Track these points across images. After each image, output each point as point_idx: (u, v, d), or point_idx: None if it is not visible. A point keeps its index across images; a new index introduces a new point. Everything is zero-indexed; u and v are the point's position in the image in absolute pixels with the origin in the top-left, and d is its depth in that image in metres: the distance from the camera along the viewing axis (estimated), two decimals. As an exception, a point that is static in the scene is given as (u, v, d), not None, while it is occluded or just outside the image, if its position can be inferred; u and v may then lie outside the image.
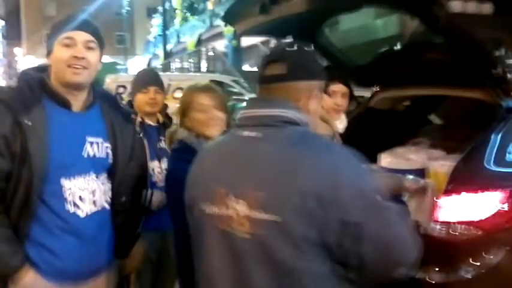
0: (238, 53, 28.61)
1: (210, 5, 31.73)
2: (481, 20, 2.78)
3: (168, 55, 30.13)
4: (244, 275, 1.58)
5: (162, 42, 38.91)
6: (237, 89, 13.25)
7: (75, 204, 2.03)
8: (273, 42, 20.48)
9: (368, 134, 3.46)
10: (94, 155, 2.09)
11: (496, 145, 2.41)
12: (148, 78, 3.16)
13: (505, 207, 2.26)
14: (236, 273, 1.61)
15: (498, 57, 2.54)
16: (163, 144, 3.13)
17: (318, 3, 2.59)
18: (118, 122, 2.22)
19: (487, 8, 2.98)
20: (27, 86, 2.00)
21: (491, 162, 2.37)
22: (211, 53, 22.39)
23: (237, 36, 28.73)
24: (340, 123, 3.12)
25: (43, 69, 2.09)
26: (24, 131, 1.90)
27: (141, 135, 2.98)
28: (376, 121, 3.55)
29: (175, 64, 32.38)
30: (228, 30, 29.55)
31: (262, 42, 23.48)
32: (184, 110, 2.42)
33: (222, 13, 26.41)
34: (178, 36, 38.72)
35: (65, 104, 2.03)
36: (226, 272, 1.63)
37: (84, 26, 2.06)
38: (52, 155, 1.95)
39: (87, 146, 2.07)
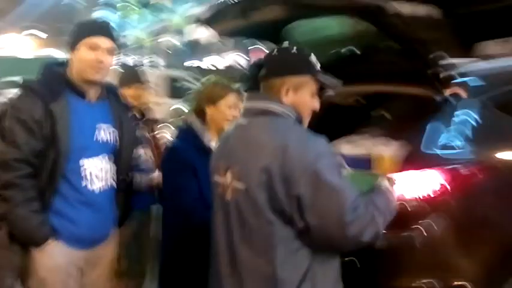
0: (194, 48, 28.55)
1: (166, 1, 31.49)
2: (421, 22, 3.17)
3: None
4: (230, 234, 2.03)
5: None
6: (196, 85, 12.96)
7: (90, 181, 2.37)
8: (229, 39, 20.64)
9: (326, 125, 3.89)
10: (105, 140, 2.44)
11: (433, 131, 2.86)
12: (130, 75, 3.50)
13: (439, 182, 2.71)
14: (227, 231, 2.06)
15: (432, 59, 2.94)
16: (146, 134, 3.48)
17: (291, 12, 2.98)
18: (122, 111, 2.58)
19: (428, 11, 3.30)
20: (52, 78, 2.33)
21: (429, 145, 2.83)
22: (168, 48, 22.15)
23: (191, 32, 28.77)
24: None
25: (63, 63, 2.44)
26: (53, 117, 2.22)
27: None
28: (333, 113, 3.96)
29: (120, 58, 31.90)
30: (183, 25, 29.49)
31: (210, 37, 23.43)
32: (215, 100, 2.74)
33: (177, 9, 26.19)
34: (120, 30, 38.15)
35: (82, 95, 2.38)
36: (221, 229, 2.08)
37: (108, 33, 2.39)
38: (73, 138, 2.28)
39: (99, 132, 2.42)
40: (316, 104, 2.05)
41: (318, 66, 2.03)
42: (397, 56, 3.19)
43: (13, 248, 2.24)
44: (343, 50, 3.77)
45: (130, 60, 31.10)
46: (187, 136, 2.73)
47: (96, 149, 2.40)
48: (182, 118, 2.86)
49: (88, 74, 2.36)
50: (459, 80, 2.99)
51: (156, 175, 3.37)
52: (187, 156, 2.68)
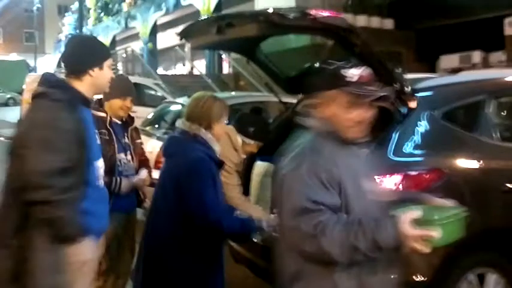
0: (154, 56, 28.53)
1: (125, 7, 31.41)
2: (382, 35, 3.51)
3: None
4: None
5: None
6: (159, 92, 12.77)
7: (100, 179, 2.62)
8: (187, 45, 20.78)
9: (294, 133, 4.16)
10: (98, 143, 2.72)
11: (393, 140, 3.17)
12: (127, 89, 3.60)
13: (399, 186, 3.02)
14: None
15: (397, 74, 3.22)
16: (127, 140, 3.66)
17: (264, 30, 3.24)
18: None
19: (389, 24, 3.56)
20: (69, 90, 2.49)
21: (390, 153, 3.14)
22: (129, 55, 21.98)
23: (152, 39, 28.81)
24: None
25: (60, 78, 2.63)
26: (80, 125, 2.41)
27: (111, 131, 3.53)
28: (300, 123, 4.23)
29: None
30: (144, 32, 29.52)
31: (179, 45, 23.51)
32: (220, 117, 2.89)
33: (137, 15, 26.07)
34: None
35: (89, 105, 2.63)
36: None
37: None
38: (93, 143, 2.53)
39: (97, 136, 2.70)
40: (355, 116, 1.98)
41: (353, 78, 1.97)
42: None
43: (52, 250, 2.35)
44: (309, 64, 4.04)
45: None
46: (202, 148, 2.79)
47: (99, 151, 2.68)
48: (186, 131, 2.87)
49: (105, 88, 2.68)
50: (419, 94, 3.29)
51: (137, 179, 3.59)
52: (211, 167, 2.79)
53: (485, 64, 15.20)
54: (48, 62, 46.66)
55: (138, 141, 3.77)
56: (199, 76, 17.21)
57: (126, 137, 3.64)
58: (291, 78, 4.19)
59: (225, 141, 3.95)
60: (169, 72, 24.47)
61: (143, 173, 3.65)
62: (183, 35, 3.81)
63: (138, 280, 2.93)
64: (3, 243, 2.35)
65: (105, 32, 33.97)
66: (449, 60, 15.98)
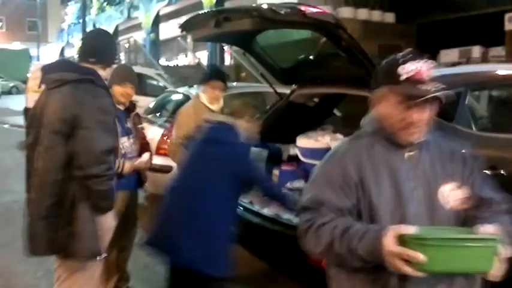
0: (156, 46, 28.70)
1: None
2: (383, 28, 3.74)
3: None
4: None
5: (77, 31, 37.95)
6: (161, 82, 12.86)
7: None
8: (189, 37, 20.95)
9: (287, 122, 4.41)
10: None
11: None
12: (127, 75, 3.79)
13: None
14: None
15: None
16: (129, 124, 3.88)
17: (259, 24, 3.48)
18: None
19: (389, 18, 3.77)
20: (100, 78, 2.78)
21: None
22: (131, 45, 22.13)
23: (155, 29, 28.96)
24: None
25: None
26: (114, 108, 2.79)
27: None
28: (294, 112, 4.48)
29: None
30: (146, 22, 29.67)
31: (181, 37, 23.63)
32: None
33: (140, 5, 26.16)
34: (94, 26, 38.12)
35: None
36: None
37: None
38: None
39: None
40: (405, 116, 1.81)
41: (407, 75, 1.80)
42: (350, 63, 3.69)
43: (94, 218, 2.69)
44: (302, 56, 4.28)
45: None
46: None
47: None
48: (228, 120, 3.42)
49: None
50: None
51: (139, 161, 3.83)
52: None
53: (484, 59, 15.37)
54: (51, 51, 46.77)
55: (140, 126, 4.01)
56: (200, 67, 17.42)
57: (128, 122, 3.86)
58: (286, 69, 4.46)
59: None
60: (172, 63, 24.65)
61: (145, 156, 3.88)
62: (184, 27, 4.04)
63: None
64: (44, 215, 2.67)
65: (107, 21, 34.11)
66: (449, 54, 16.17)
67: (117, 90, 3.72)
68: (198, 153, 3.36)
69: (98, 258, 2.76)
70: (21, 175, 2.87)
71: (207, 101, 4.24)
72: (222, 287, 3.18)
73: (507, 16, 14.69)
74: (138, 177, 3.94)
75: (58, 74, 2.76)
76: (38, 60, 38.22)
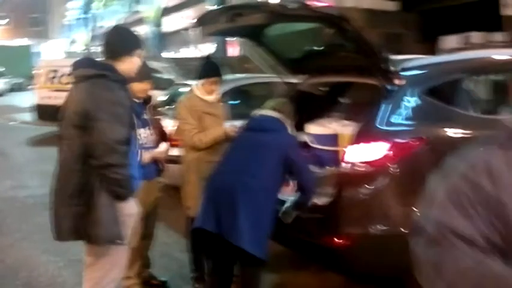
0: (161, 39, 28.86)
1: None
2: (386, 17, 3.98)
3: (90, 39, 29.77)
4: None
5: (81, 26, 38.12)
6: (167, 75, 13.04)
7: (135, 148, 3.12)
8: (191, 29, 21.02)
9: (298, 110, 4.63)
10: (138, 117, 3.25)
11: (386, 112, 3.61)
12: (145, 73, 3.96)
13: (388, 152, 3.48)
14: None
15: (384, 56, 3.66)
16: (146, 116, 4.07)
17: (271, 19, 3.72)
18: None
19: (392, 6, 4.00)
20: (118, 74, 2.98)
21: (380, 123, 3.58)
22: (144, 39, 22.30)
23: (159, 22, 29.14)
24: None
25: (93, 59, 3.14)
26: (130, 102, 2.98)
27: None
28: (304, 100, 4.71)
29: (98, 49, 32.04)
30: (150, 16, 29.85)
31: (184, 29, 23.74)
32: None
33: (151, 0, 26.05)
34: (96, 21, 38.30)
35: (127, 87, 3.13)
36: None
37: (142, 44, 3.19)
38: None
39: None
40: None
41: None
42: (355, 53, 3.91)
43: (114, 205, 2.89)
44: (310, 47, 4.50)
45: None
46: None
47: (135, 124, 3.18)
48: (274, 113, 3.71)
49: (131, 73, 3.13)
50: (403, 73, 3.76)
51: (157, 151, 4.05)
52: None
53: (484, 45, 15.55)
54: (53, 47, 46.89)
55: (156, 117, 4.25)
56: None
57: (145, 114, 4.06)
58: (294, 60, 4.68)
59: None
60: (177, 55, 24.75)
61: (163, 146, 4.10)
62: (198, 23, 4.26)
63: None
64: (65, 203, 2.89)
65: (112, 16, 34.28)
66: (448, 41, 16.34)
67: (136, 87, 3.88)
68: (246, 141, 3.60)
69: (119, 243, 2.92)
70: (34, 170, 3.12)
71: (202, 94, 4.28)
72: (259, 269, 3.45)
73: (502, 1, 14.86)
74: (156, 166, 4.16)
75: (80, 70, 3.01)
76: (40, 56, 38.35)
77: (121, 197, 2.91)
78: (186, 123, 4.15)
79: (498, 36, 15.90)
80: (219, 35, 5.46)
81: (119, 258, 3.07)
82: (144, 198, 3.85)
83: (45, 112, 14.56)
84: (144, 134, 3.98)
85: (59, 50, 43.49)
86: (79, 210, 2.86)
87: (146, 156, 3.90)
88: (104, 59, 3.07)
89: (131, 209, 3.05)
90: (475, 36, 16.61)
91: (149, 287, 4.21)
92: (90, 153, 2.82)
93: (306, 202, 3.59)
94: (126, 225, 2.99)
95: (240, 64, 17.61)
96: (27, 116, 17.07)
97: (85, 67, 2.99)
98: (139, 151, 3.73)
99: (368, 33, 3.64)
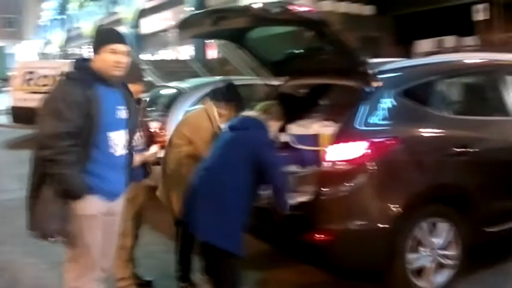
0: (138, 41, 28.72)
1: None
2: (362, 21, 4.16)
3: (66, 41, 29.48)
4: None
5: (56, 27, 37.67)
6: (149, 78, 13.05)
7: (115, 148, 3.08)
8: (171, 31, 21.00)
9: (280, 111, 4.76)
10: (122, 117, 3.15)
11: (364, 112, 3.78)
12: (137, 75, 4.05)
13: (366, 150, 3.64)
14: None
15: (362, 59, 3.81)
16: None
17: (253, 22, 3.87)
18: (129, 98, 3.28)
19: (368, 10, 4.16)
20: (85, 71, 3.02)
21: (358, 124, 3.74)
22: None
23: (137, 24, 29.02)
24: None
25: (88, 59, 3.14)
26: (89, 100, 2.91)
27: None
28: (285, 102, 4.83)
29: (74, 50, 31.73)
30: (127, 17, 29.73)
31: (163, 31, 23.72)
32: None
33: (120, 0, 26.03)
34: (72, 22, 37.91)
35: (107, 84, 3.08)
36: None
37: (123, 40, 3.12)
38: (103, 116, 2.97)
39: (119, 111, 3.14)
40: None
41: None
42: (335, 56, 4.07)
43: (57, 201, 2.90)
44: (291, 50, 4.65)
45: (85, 52, 31.01)
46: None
47: (118, 124, 3.13)
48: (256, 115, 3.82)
49: (111, 71, 3.07)
50: (380, 75, 3.93)
51: (148, 153, 4.10)
52: None
53: (457, 48, 15.96)
54: (27, 48, 46.28)
55: (145, 119, 4.32)
56: (186, 61, 17.67)
57: (139, 117, 4.03)
58: (276, 62, 4.83)
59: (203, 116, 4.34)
60: (155, 57, 24.73)
61: (154, 148, 4.14)
62: (181, 26, 4.37)
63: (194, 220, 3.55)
64: (33, 195, 2.97)
65: (88, 17, 34.02)
66: (423, 44, 16.75)
67: (132, 88, 3.80)
68: (223, 139, 3.70)
69: (55, 240, 2.96)
70: (12, 174, 3.11)
71: (216, 115, 4.24)
72: (234, 264, 3.54)
73: (474, 8, 15.31)
74: (144, 169, 4.17)
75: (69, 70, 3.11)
76: (14, 58, 37.83)
77: (66, 194, 2.89)
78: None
79: (470, 41, 16.37)
80: (200, 37, 5.55)
81: (86, 262, 3.08)
82: (131, 200, 3.90)
83: (21, 115, 14.46)
84: (135, 136, 3.88)
85: (34, 51, 42.99)
86: (29, 203, 2.96)
87: (137, 159, 3.87)
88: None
89: (90, 209, 3.01)
90: (448, 40, 17.07)
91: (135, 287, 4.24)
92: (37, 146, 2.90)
93: (278, 202, 3.60)
94: (87, 226, 3.00)
95: (219, 66, 17.75)
96: (2, 119, 16.86)
97: (71, 68, 3.09)
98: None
99: (347, 37, 3.79)
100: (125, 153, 3.19)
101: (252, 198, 3.58)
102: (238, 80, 8.15)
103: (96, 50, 3.08)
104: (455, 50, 15.67)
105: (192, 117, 4.42)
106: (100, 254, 3.13)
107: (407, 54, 15.62)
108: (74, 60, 3.20)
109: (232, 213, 3.47)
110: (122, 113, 3.18)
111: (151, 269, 4.61)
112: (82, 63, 3.11)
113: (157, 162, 4.35)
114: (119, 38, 3.13)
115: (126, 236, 3.94)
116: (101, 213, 3.08)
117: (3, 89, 31.19)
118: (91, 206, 3.00)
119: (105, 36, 3.14)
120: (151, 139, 4.28)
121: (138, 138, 4.01)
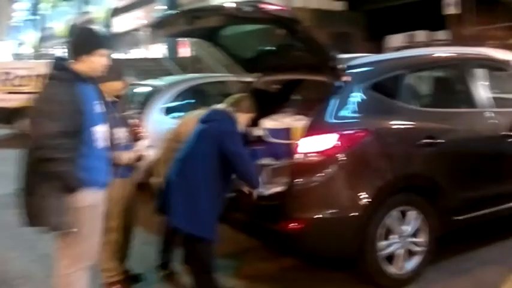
0: (111, 40, 28.60)
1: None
2: (333, 16, 4.31)
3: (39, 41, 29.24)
4: None
5: (29, 27, 37.33)
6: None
7: (98, 141, 3.21)
8: (144, 29, 20.90)
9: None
10: (101, 112, 3.27)
11: (334, 106, 3.92)
12: (122, 73, 4.12)
13: (337, 142, 3.79)
14: None
15: (332, 55, 3.97)
16: (118, 115, 4.08)
17: (226, 21, 3.98)
18: (99, 89, 3.42)
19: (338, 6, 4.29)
20: (67, 71, 3.12)
21: (329, 117, 3.89)
22: None
23: (109, 23, 28.87)
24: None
25: (65, 59, 3.23)
26: (76, 98, 3.04)
27: None
28: (258, 97, 4.96)
29: (47, 50, 31.48)
30: (100, 16, 29.58)
31: (135, 30, 23.68)
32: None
33: (100, 1, 25.87)
34: (44, 22, 37.58)
35: (85, 81, 3.20)
36: None
37: (109, 43, 3.29)
38: (88, 112, 3.11)
39: (98, 106, 3.26)
40: None
41: None
42: (305, 53, 4.20)
43: (55, 196, 3.02)
44: (264, 47, 4.78)
45: (58, 51, 30.76)
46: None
47: (98, 118, 3.25)
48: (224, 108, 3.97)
49: (98, 72, 3.27)
50: (349, 70, 4.09)
51: (138, 149, 4.10)
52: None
53: (428, 43, 16.28)
54: (1, 49, 45.76)
55: (125, 114, 4.38)
56: (159, 60, 17.70)
57: (118, 113, 4.11)
58: (249, 59, 4.95)
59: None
60: (127, 56, 24.67)
61: (141, 144, 4.18)
62: (155, 25, 4.47)
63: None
64: (29, 192, 3.07)
65: (60, 17, 33.74)
66: (394, 39, 17.03)
67: (112, 86, 4.01)
68: (196, 132, 3.85)
69: (62, 231, 3.08)
70: None
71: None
72: (206, 249, 3.69)
73: (445, 2, 15.60)
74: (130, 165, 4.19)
75: (51, 71, 3.20)
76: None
77: (66, 189, 3.03)
78: None
79: (441, 35, 16.69)
80: (175, 36, 5.66)
81: (79, 253, 3.21)
82: (118, 195, 4.01)
83: (-3, 114, 14.46)
84: (120, 133, 4.01)
85: (7, 52, 42.49)
86: (25, 200, 3.08)
87: (127, 155, 3.95)
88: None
89: (87, 201, 3.16)
90: (419, 35, 17.38)
91: (126, 280, 4.29)
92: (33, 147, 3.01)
93: (248, 184, 3.85)
94: (84, 217, 3.14)
95: (192, 64, 17.82)
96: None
97: (51, 69, 3.18)
98: (116, 153, 3.73)
99: (317, 34, 3.93)
100: (106, 145, 3.33)
101: (223, 186, 3.74)
102: (211, 77, 8.36)
103: (85, 52, 3.18)
104: (426, 44, 15.96)
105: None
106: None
107: (379, 50, 15.88)
108: (53, 61, 3.28)
109: (203, 201, 3.62)
110: (99, 107, 3.30)
111: (140, 263, 4.65)
112: (62, 64, 3.20)
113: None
114: (106, 42, 3.34)
115: (111, 231, 4.00)
116: (93, 204, 3.23)
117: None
118: (87, 197, 3.16)
119: (96, 40, 3.27)
120: (135, 135, 4.32)
121: (123, 134, 4.06)
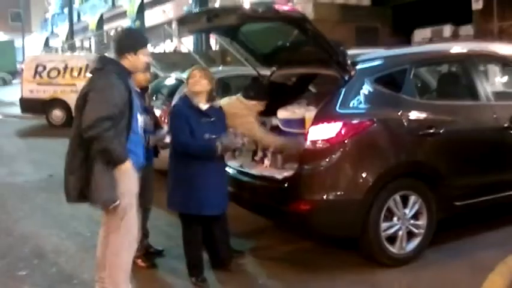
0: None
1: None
2: (360, 11, 4.65)
3: (71, 34, 29.90)
4: None
5: (62, 20, 38.08)
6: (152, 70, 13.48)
7: (141, 128, 3.68)
8: (174, 23, 21.24)
9: (270, 98, 5.28)
10: (139, 103, 3.77)
11: (341, 98, 4.29)
12: (147, 65, 4.37)
13: (343, 130, 4.16)
14: None
15: (340, 50, 4.32)
16: (145, 103, 4.57)
17: (243, 19, 4.38)
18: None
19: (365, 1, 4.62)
20: (119, 66, 3.53)
21: (338, 107, 4.27)
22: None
23: (140, 17, 29.42)
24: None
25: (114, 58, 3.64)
26: (128, 89, 3.46)
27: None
28: (274, 89, 5.35)
29: (78, 43, 32.19)
30: (131, 10, 30.13)
31: (165, 23, 24.10)
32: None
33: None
34: (78, 15, 38.36)
35: (130, 76, 3.66)
36: None
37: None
38: (135, 102, 3.55)
39: (137, 97, 3.73)
40: None
41: None
42: (316, 48, 4.54)
43: (109, 172, 3.38)
44: (279, 43, 5.14)
45: (90, 45, 31.48)
46: (185, 100, 4.25)
47: (139, 108, 3.70)
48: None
49: (138, 69, 3.73)
50: (359, 64, 4.44)
51: (160, 135, 4.53)
52: (183, 111, 4.21)
53: (455, 37, 16.32)
54: (34, 41, 46.80)
55: (151, 104, 4.83)
56: (188, 53, 18.12)
57: (144, 101, 4.57)
58: (266, 54, 5.32)
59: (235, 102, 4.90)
60: (158, 49, 25.17)
61: (163, 131, 4.60)
62: (180, 22, 4.90)
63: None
64: (72, 171, 3.48)
65: (92, 10, 34.43)
66: (422, 33, 17.10)
67: (140, 77, 4.46)
68: None
69: (114, 205, 3.42)
70: (26, 159, 3.50)
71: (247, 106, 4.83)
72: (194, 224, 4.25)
73: (473, -4, 15.61)
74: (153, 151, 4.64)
75: (92, 65, 3.66)
76: (23, 51, 38.37)
77: (114, 165, 3.38)
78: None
79: (467, 29, 16.70)
80: (198, 32, 6.08)
81: (130, 227, 3.55)
82: (145, 177, 4.29)
83: (29, 106, 15.14)
84: (146, 120, 4.31)
85: (40, 44, 43.52)
86: (81, 176, 3.43)
87: (152, 140, 4.39)
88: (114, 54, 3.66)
89: (132, 187, 3.52)
90: (446, 29, 17.40)
91: (147, 255, 4.71)
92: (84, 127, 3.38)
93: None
94: (126, 197, 3.49)
95: (222, 57, 18.20)
96: (14, 110, 17.52)
97: (95, 63, 3.61)
98: (145, 135, 4.11)
99: (341, 26, 4.27)
100: (142, 132, 3.77)
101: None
102: (234, 70, 8.72)
103: (134, 51, 3.58)
104: (453, 38, 16.00)
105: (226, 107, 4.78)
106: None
107: (408, 44, 15.98)
108: (100, 56, 3.74)
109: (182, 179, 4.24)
110: (138, 98, 3.78)
111: (160, 241, 5.11)
112: (111, 59, 3.63)
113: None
114: (148, 42, 3.77)
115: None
116: (136, 182, 3.62)
117: (13, 81, 31.87)
118: (131, 175, 3.51)
119: (142, 40, 3.69)
120: (157, 123, 4.76)
121: (148, 121, 4.44)
